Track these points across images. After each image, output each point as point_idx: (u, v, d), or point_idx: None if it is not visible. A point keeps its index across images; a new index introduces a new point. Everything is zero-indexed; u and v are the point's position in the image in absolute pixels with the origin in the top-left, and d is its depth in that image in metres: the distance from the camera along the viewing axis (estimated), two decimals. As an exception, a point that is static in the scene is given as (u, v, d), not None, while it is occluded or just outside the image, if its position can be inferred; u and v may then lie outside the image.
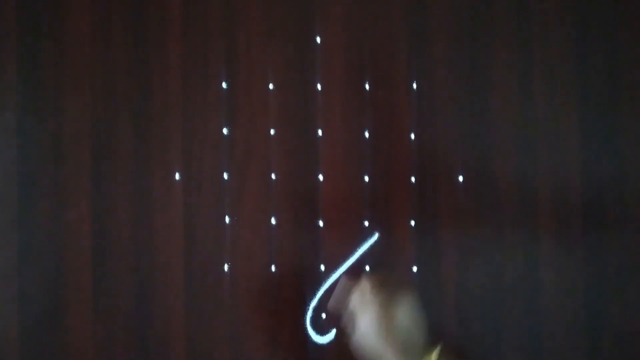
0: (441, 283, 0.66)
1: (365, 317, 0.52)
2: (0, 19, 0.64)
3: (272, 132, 0.66)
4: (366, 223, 0.66)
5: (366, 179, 0.66)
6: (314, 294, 0.65)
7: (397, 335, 0.51)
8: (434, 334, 0.67)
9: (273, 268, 0.65)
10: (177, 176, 0.65)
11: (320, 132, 0.66)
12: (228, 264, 0.65)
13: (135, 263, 0.64)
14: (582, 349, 0.66)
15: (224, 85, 0.65)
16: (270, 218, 0.65)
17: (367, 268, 0.66)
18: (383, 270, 0.66)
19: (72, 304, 0.63)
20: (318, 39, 0.66)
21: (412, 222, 0.66)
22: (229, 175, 0.65)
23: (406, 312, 0.52)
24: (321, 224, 0.66)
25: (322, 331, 0.65)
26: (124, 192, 0.64)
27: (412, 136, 0.66)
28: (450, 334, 0.66)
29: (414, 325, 0.53)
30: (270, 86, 0.66)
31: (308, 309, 0.65)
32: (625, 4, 0.68)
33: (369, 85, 0.66)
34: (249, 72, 0.66)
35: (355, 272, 0.65)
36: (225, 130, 0.65)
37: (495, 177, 0.66)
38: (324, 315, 0.65)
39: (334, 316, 0.61)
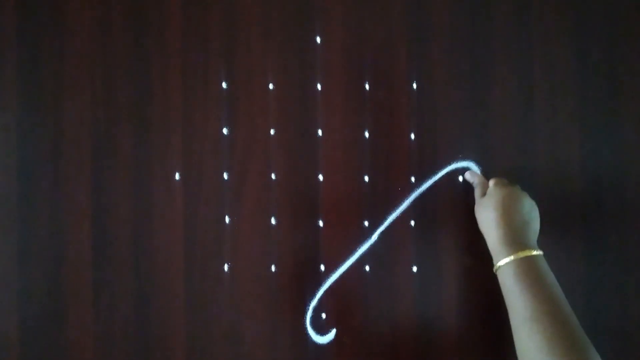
0: (441, 283, 0.66)
1: (486, 199, 0.60)
2: (0, 19, 0.64)
3: (272, 132, 0.66)
4: (366, 223, 0.66)
5: (366, 179, 0.66)
6: (314, 294, 0.65)
7: (508, 221, 0.57)
8: (434, 334, 0.67)
9: (273, 268, 0.65)
10: (177, 176, 0.65)
11: (320, 132, 0.66)
12: (228, 264, 0.65)
13: (135, 263, 0.64)
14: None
15: (224, 85, 0.65)
16: (270, 218, 0.65)
17: (367, 268, 0.66)
18: (383, 270, 0.66)
19: (72, 304, 0.63)
20: (318, 39, 0.66)
21: (412, 222, 0.66)
22: (229, 175, 0.65)
23: (523, 204, 0.59)
24: (321, 224, 0.66)
25: (322, 331, 0.65)
26: (124, 192, 0.64)
27: (412, 136, 0.67)
28: (450, 334, 0.66)
29: (528, 220, 0.58)
30: (270, 86, 0.66)
31: (308, 309, 0.65)
32: (625, 4, 0.68)
33: (369, 85, 0.66)
34: (249, 72, 0.66)
35: (354, 272, 0.66)
36: (225, 130, 0.65)
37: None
38: (324, 315, 0.65)
39: (335, 316, 0.62)
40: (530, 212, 0.59)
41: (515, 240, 0.56)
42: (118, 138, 0.65)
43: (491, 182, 0.62)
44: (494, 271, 0.57)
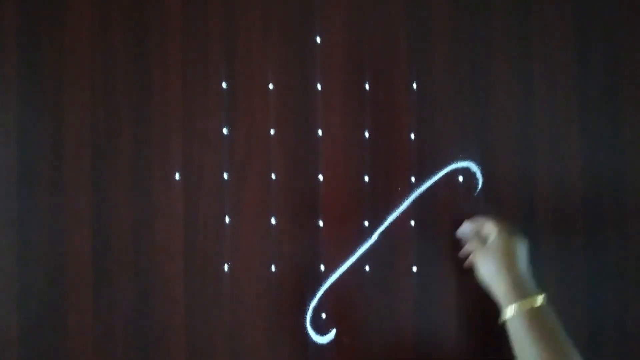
0: (441, 283, 0.66)
1: (489, 249, 0.60)
2: (0, 19, 0.64)
3: (272, 132, 0.66)
4: (366, 223, 0.66)
5: (366, 179, 0.66)
6: (314, 294, 0.65)
7: (514, 270, 0.57)
8: (434, 334, 0.67)
9: (273, 268, 0.65)
10: (177, 176, 0.65)
11: (320, 132, 0.66)
12: (228, 264, 0.65)
13: (135, 263, 0.64)
14: (582, 349, 0.66)
15: (224, 85, 0.65)
16: (270, 218, 0.65)
17: (367, 268, 0.66)
18: (383, 270, 0.66)
19: (72, 304, 0.63)
20: (318, 39, 0.66)
21: (412, 222, 0.66)
22: (229, 175, 0.65)
23: (524, 252, 0.59)
24: (321, 224, 0.66)
25: (322, 331, 0.65)
26: (124, 192, 0.64)
27: (412, 136, 0.67)
28: (449, 334, 0.66)
29: (528, 265, 0.59)
30: (270, 86, 0.66)
31: (308, 309, 0.65)
32: (625, 3, 0.68)
33: (369, 85, 0.66)
34: (249, 72, 0.66)
35: (354, 272, 0.66)
36: (225, 130, 0.65)
37: (495, 177, 0.66)
38: (324, 315, 0.65)
39: (334, 316, 0.62)
40: (526, 257, 0.60)
41: (522, 290, 0.56)
42: (118, 138, 0.65)
43: (490, 229, 0.61)
44: (502, 321, 0.57)
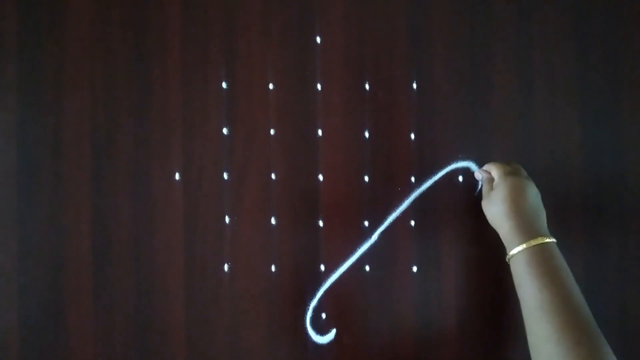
0: (441, 283, 0.66)
1: (492, 195, 0.60)
2: (0, 19, 0.64)
3: (272, 132, 0.66)
4: (366, 223, 0.66)
5: (366, 179, 0.66)
6: (314, 294, 0.65)
7: (518, 213, 0.57)
8: (434, 334, 0.67)
9: (273, 268, 0.65)
10: (177, 176, 0.65)
11: (320, 132, 0.66)
12: (228, 264, 0.65)
13: (135, 263, 0.64)
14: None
15: (224, 85, 0.65)
16: (270, 218, 0.65)
17: (367, 268, 0.66)
18: (383, 270, 0.66)
19: (72, 304, 0.63)
20: (318, 39, 0.66)
21: (412, 222, 0.66)
22: (229, 175, 0.65)
23: (529, 193, 0.58)
24: (321, 224, 0.66)
25: (322, 331, 0.65)
26: (124, 192, 0.64)
27: (412, 136, 0.67)
28: (450, 334, 0.66)
29: (537, 206, 0.58)
30: (270, 86, 0.66)
31: (308, 309, 0.65)
32: (625, 3, 0.68)
33: (369, 85, 0.66)
34: (249, 72, 0.66)
35: (354, 272, 0.66)
36: (225, 130, 0.65)
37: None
38: (324, 315, 0.65)
39: (335, 316, 0.62)
40: (538, 200, 0.59)
41: (527, 229, 0.56)
42: (118, 138, 0.65)
43: (496, 173, 0.62)
44: (507, 260, 0.57)
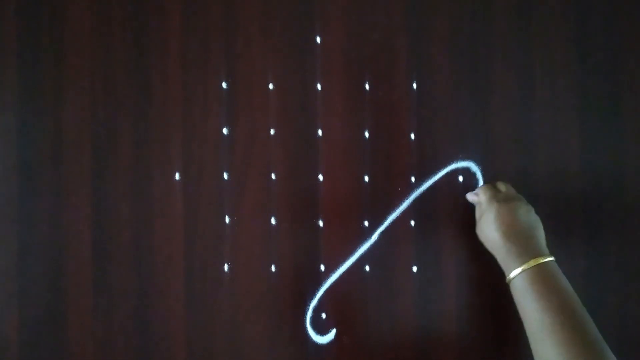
0: (441, 283, 0.66)
1: (481, 221, 0.60)
2: (0, 19, 0.64)
3: (272, 132, 0.66)
4: (366, 223, 0.66)
5: (366, 179, 0.66)
6: (314, 294, 0.65)
7: (509, 237, 0.57)
8: (434, 334, 0.67)
9: (273, 268, 0.65)
10: (177, 176, 0.65)
11: (320, 132, 0.66)
12: (228, 264, 0.65)
13: (135, 263, 0.64)
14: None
15: (224, 85, 0.65)
16: (270, 218, 0.65)
17: (367, 268, 0.66)
18: (383, 270, 0.66)
19: (72, 304, 0.63)
20: (318, 39, 0.66)
21: (412, 222, 0.66)
22: (229, 175, 0.65)
23: (521, 215, 0.58)
24: (321, 224, 0.66)
25: (322, 331, 0.65)
26: (124, 192, 0.64)
27: (412, 136, 0.67)
28: (450, 334, 0.66)
29: (532, 225, 0.58)
30: (270, 86, 0.66)
31: (308, 309, 0.65)
32: (625, 3, 0.68)
33: (369, 85, 0.66)
34: (249, 72, 0.66)
35: (354, 272, 0.66)
36: (225, 130, 0.65)
37: (495, 177, 0.66)
38: (324, 315, 0.65)
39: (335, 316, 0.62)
40: (530, 219, 0.59)
41: (522, 251, 0.55)
42: (118, 138, 0.65)
43: (483, 199, 0.61)
44: (507, 282, 0.57)
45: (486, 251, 0.60)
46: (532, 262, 0.54)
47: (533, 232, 0.58)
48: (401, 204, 0.66)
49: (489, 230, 0.58)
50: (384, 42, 0.67)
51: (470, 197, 0.65)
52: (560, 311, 0.51)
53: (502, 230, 0.57)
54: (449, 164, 0.66)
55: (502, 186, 0.63)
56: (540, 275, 0.54)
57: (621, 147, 0.68)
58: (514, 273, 0.55)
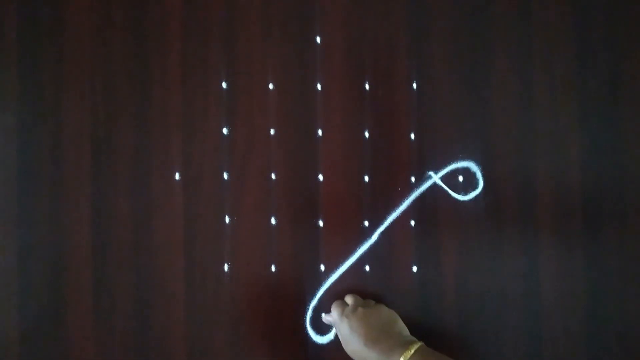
0: (441, 283, 0.66)
1: (344, 325, 0.59)
2: (0, 19, 0.64)
3: (272, 132, 0.66)
4: (366, 223, 0.66)
5: (366, 179, 0.66)
6: (314, 294, 0.65)
7: (367, 349, 0.56)
8: (434, 335, 0.67)
9: (273, 268, 0.65)
10: (177, 176, 0.65)
11: (320, 132, 0.66)
12: (228, 264, 0.65)
13: (135, 263, 0.64)
14: (582, 349, 0.66)
15: (224, 85, 0.65)
16: (270, 218, 0.65)
17: (367, 268, 0.66)
18: (383, 270, 0.66)
19: (72, 304, 0.63)
20: (318, 39, 0.66)
21: (412, 222, 0.66)
22: (229, 175, 0.65)
23: (376, 311, 0.59)
24: (321, 224, 0.66)
25: (322, 331, 0.65)
26: (124, 192, 0.64)
27: (412, 136, 0.67)
28: (450, 334, 0.66)
29: (388, 319, 0.59)
30: (270, 86, 0.66)
31: (308, 309, 0.65)
32: (625, 3, 0.68)
33: (369, 85, 0.66)
34: (249, 72, 0.66)
35: (354, 272, 0.66)
36: (225, 130, 0.65)
37: (495, 177, 0.66)
38: (323, 315, 0.65)
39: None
40: (382, 317, 0.59)
41: (393, 349, 0.55)
42: (118, 138, 0.65)
43: (335, 317, 0.61)
44: None
45: (486, 250, 0.60)
46: (407, 354, 0.54)
47: (392, 328, 0.59)
48: (401, 204, 0.66)
49: (352, 345, 0.58)
50: (384, 42, 0.67)
51: (326, 318, 0.64)
52: None
53: (362, 341, 0.56)
54: (449, 164, 0.66)
55: (349, 299, 0.63)
56: (422, 358, 0.54)
57: (621, 147, 0.67)
58: None
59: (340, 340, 0.60)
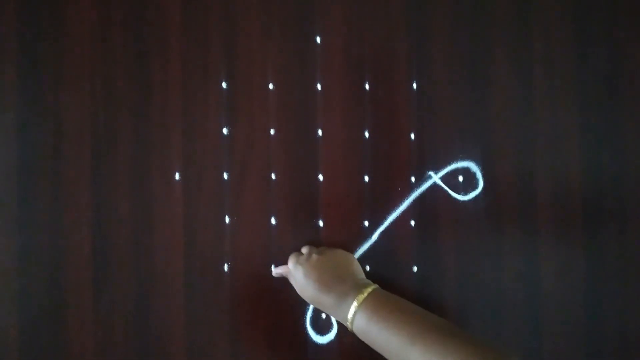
0: (441, 283, 0.66)
1: (298, 272, 0.59)
2: (0, 19, 0.64)
3: (272, 132, 0.66)
4: (366, 223, 0.66)
5: (366, 179, 0.66)
6: (314, 294, 0.65)
7: (321, 293, 0.56)
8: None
9: (273, 268, 0.65)
10: (177, 176, 0.65)
11: (320, 132, 0.66)
12: (228, 264, 0.65)
13: (135, 263, 0.64)
14: (582, 349, 0.66)
15: (224, 85, 0.65)
16: (270, 218, 0.65)
17: (367, 268, 0.66)
18: (383, 270, 0.66)
19: (72, 304, 0.63)
20: (318, 39, 0.66)
21: (412, 222, 0.66)
22: (229, 175, 0.65)
23: (330, 256, 0.59)
24: (321, 224, 0.66)
25: (322, 331, 0.65)
26: (124, 192, 0.64)
27: (412, 136, 0.67)
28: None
29: (342, 262, 0.60)
30: (270, 86, 0.66)
31: (308, 308, 0.65)
32: (625, 3, 0.68)
33: (369, 85, 0.66)
34: (249, 72, 0.66)
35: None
36: (225, 130, 0.65)
37: (495, 177, 0.66)
38: (324, 315, 0.65)
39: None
40: (336, 261, 0.59)
41: (347, 292, 0.55)
42: (118, 138, 0.65)
43: (291, 267, 0.61)
44: (350, 330, 0.55)
45: (486, 250, 0.60)
46: (361, 297, 0.53)
47: (346, 272, 0.58)
48: (401, 204, 0.66)
49: (307, 292, 0.58)
50: (384, 42, 0.67)
51: (276, 271, 0.64)
52: (414, 321, 0.50)
53: (317, 286, 0.56)
54: (449, 164, 0.66)
55: (304, 249, 0.63)
56: (376, 303, 0.53)
57: (621, 147, 0.68)
58: (350, 315, 0.53)
59: (296, 289, 0.60)
